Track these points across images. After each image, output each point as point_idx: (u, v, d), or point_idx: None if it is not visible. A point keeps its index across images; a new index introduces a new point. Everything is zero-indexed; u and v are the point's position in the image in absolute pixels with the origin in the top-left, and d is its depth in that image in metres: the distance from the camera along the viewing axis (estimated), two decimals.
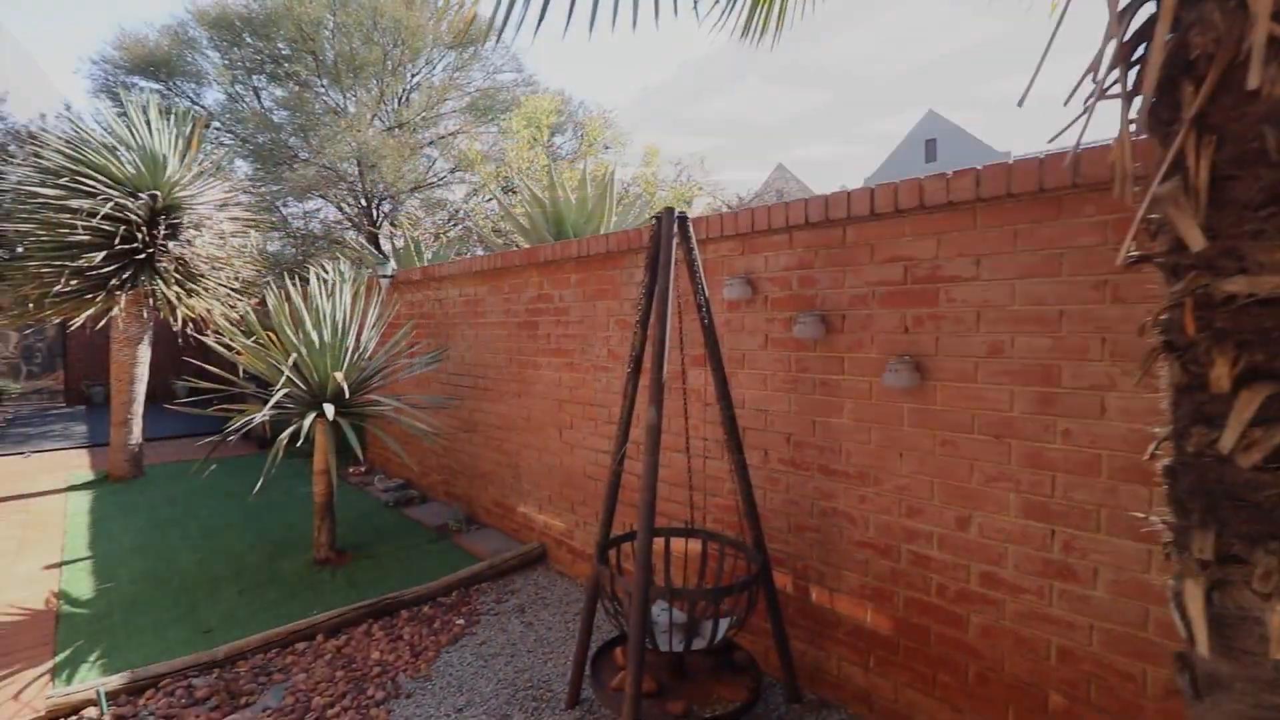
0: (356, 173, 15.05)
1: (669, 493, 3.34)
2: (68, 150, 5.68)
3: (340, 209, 17.32)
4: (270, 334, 4.01)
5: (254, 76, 16.24)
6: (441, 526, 4.81)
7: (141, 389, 6.47)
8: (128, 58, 15.61)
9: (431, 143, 16.63)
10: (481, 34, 17.87)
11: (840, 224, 2.56)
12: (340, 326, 4.12)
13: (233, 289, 6.85)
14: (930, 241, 2.29)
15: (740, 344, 2.94)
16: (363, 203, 16.93)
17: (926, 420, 2.31)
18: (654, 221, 2.45)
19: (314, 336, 4.01)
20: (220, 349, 4.00)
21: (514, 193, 14.27)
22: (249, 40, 15.55)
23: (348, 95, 16.43)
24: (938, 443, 2.28)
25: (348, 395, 3.94)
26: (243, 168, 16.42)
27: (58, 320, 5.72)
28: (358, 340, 4.29)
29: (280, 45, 15.47)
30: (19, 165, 5.92)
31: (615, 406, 3.70)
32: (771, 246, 2.83)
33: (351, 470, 6.57)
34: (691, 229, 2.46)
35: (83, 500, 5.74)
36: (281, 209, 16.37)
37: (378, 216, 17.31)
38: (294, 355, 3.89)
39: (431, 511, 5.22)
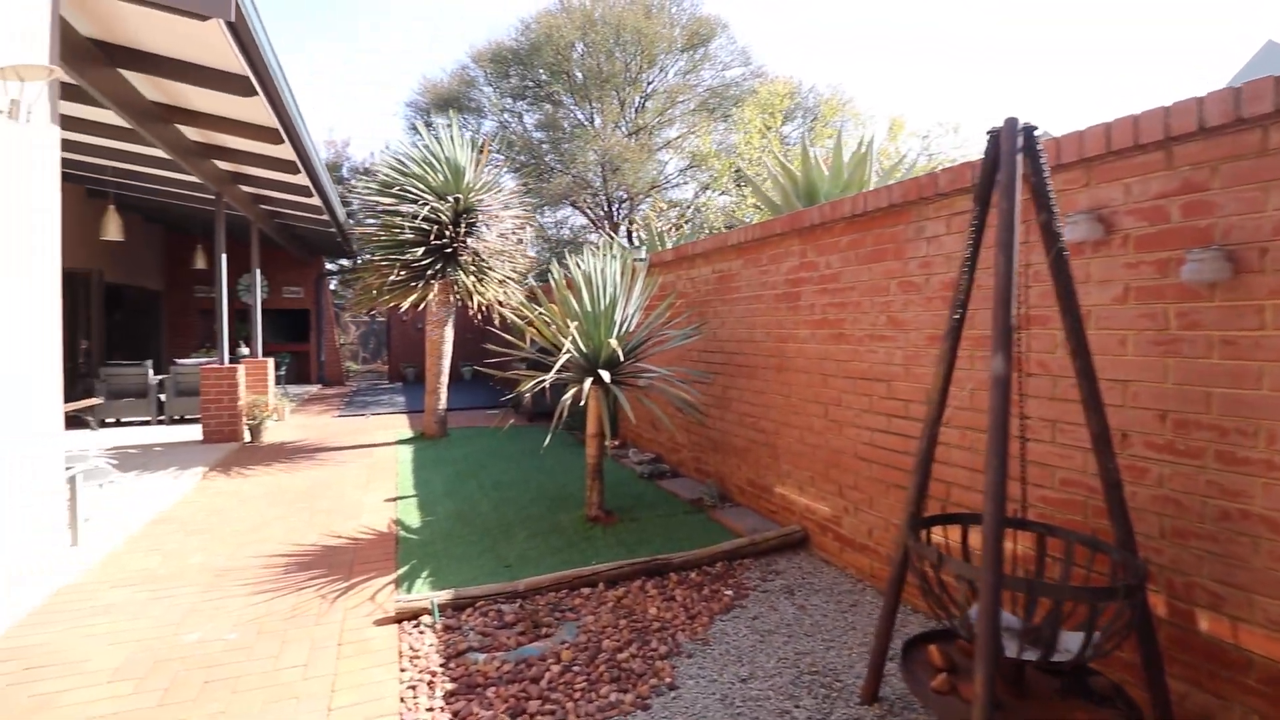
0: (600, 179, 16.35)
1: (969, 479, 2.86)
2: (398, 167, 6.97)
3: (586, 214, 18.98)
4: (552, 305, 4.37)
5: (518, 103, 18.57)
6: (696, 500, 4.84)
7: (447, 364, 7.70)
8: (428, 99, 18.88)
9: (663, 146, 17.31)
10: (713, 31, 18.19)
11: (1260, 124, 1.89)
12: (612, 297, 4.35)
13: (511, 277, 7.79)
14: None
15: (1085, 298, 2.36)
16: (605, 206, 18.34)
17: None
18: (989, 137, 2.05)
19: (590, 306, 4.28)
20: (515, 319, 4.47)
21: (745, 184, 14.14)
22: (513, 72, 17.72)
23: (594, 107, 17.82)
24: None
25: (623, 359, 4.13)
26: (508, 182, 19.00)
27: (391, 305, 7.07)
28: (625, 312, 4.49)
29: (540, 72, 17.35)
30: (365, 186, 7.42)
31: (897, 380, 3.30)
32: (1135, 170, 2.21)
33: (606, 443, 7.02)
34: (1040, 145, 2.01)
35: (406, 452, 7.00)
36: (539, 218, 18.37)
37: (618, 218, 18.58)
38: (574, 323, 4.19)
39: (684, 485, 5.30)
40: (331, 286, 18.76)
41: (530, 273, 8.36)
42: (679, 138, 17.69)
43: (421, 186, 6.99)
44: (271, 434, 8.28)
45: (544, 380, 4.05)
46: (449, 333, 7.69)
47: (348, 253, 17.20)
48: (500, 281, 7.59)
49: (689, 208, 17.82)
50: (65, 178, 8.81)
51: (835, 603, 3.15)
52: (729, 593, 3.23)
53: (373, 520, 4.57)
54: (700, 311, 5.36)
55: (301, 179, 7.79)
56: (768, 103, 14.38)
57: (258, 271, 10.03)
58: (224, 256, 7.86)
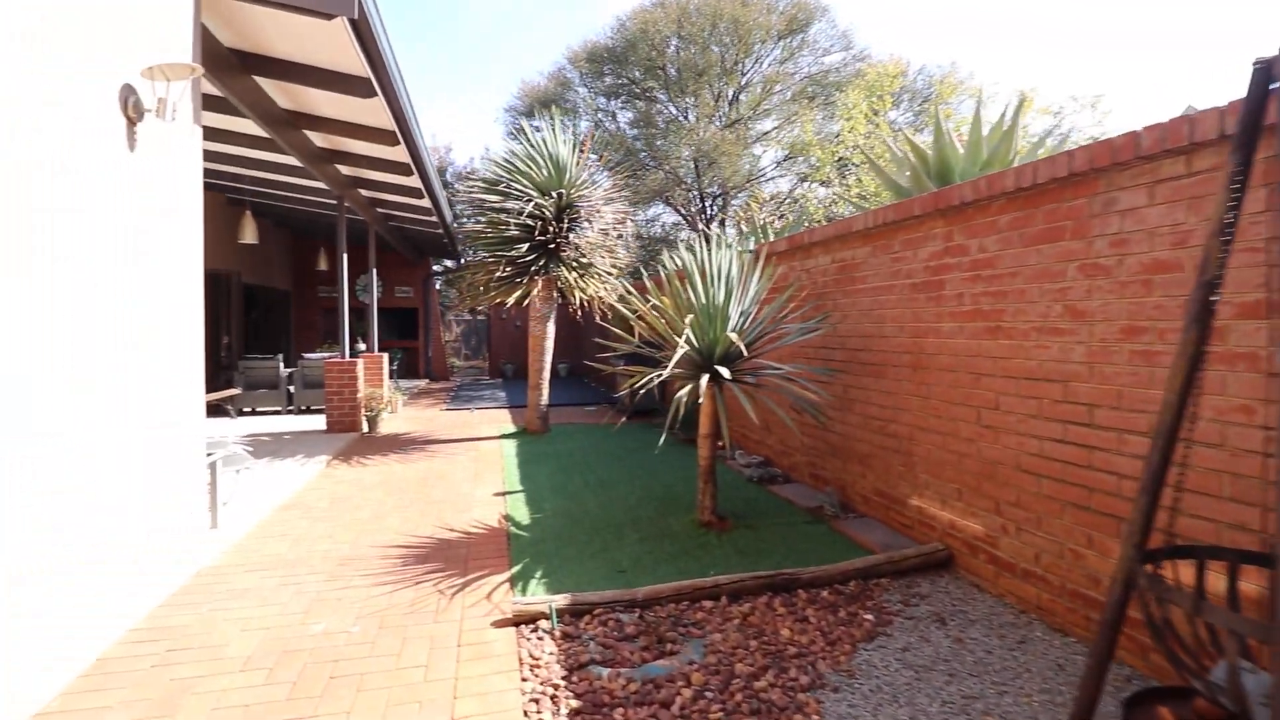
0: (693, 175, 16.04)
1: (1206, 505, 2.35)
2: (504, 164, 7.04)
3: (679, 211, 18.75)
4: (664, 299, 4.16)
5: (611, 101, 18.60)
6: (815, 509, 4.48)
7: (548, 360, 7.71)
8: (525, 102, 19.32)
9: (758, 139, 16.74)
10: (811, 16, 17.39)
11: None
12: (728, 288, 4.07)
13: (610, 273, 7.70)
14: None
15: None
16: (699, 202, 18.03)
17: None
18: (1257, 69, 1.60)
19: (704, 298, 4.03)
20: (624, 312, 4.30)
21: (848, 173, 13.38)
22: (608, 70, 17.75)
23: (688, 102, 17.53)
24: None
25: (745, 354, 3.85)
26: (605, 180, 19.15)
27: (496, 301, 7.16)
28: (742, 304, 4.20)
29: (635, 70, 17.29)
30: (472, 185, 7.56)
31: (1077, 381, 2.81)
32: None
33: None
34: None
35: (511, 446, 7.06)
36: (631, 217, 18.25)
37: (711, 214, 18.23)
38: (689, 316, 3.96)
39: (799, 492, 4.93)
40: (436, 286, 19.65)
41: (627, 269, 8.24)
42: (775, 129, 17.07)
43: (526, 183, 7.02)
44: (386, 425, 8.66)
45: (658, 376, 3.85)
46: (550, 329, 7.70)
47: (452, 253, 17.96)
48: (600, 277, 7.50)
49: (786, 200, 17.17)
50: (206, 186, 9.66)
51: (998, 637, 2.72)
52: (869, 617, 2.87)
53: (483, 514, 4.55)
54: (818, 305, 4.97)
55: (414, 181, 8.05)
56: (876, 85, 13.52)
57: (374, 271, 10.56)
58: (344, 256, 8.28)
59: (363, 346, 11.13)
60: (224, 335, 11.08)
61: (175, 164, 3.51)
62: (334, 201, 8.39)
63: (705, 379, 3.78)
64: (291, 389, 9.98)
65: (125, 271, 2.95)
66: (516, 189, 6.98)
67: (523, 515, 4.50)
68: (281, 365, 9.99)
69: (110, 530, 2.82)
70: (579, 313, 7.59)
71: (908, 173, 5.57)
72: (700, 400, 3.93)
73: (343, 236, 8.19)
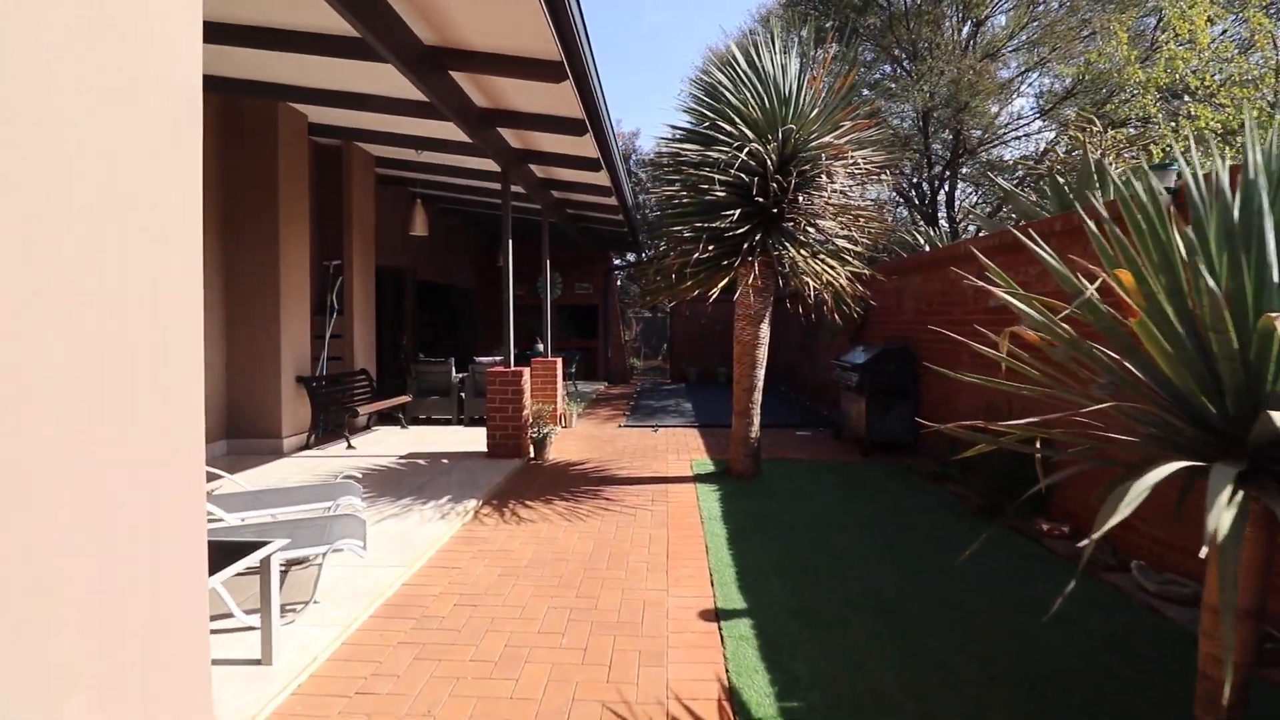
0: (919, 130, 12.65)
1: None
2: (712, 91, 4.99)
3: (897, 190, 15.31)
4: (1122, 274, 1.76)
5: (818, 51, 15.48)
6: None
7: (762, 373, 5.56)
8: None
9: (1023, 70, 12.73)
10: None
11: None
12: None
13: (857, 251, 5.31)
14: None
15: None
16: (926, 167, 14.51)
17: None
18: None
19: (1254, 275, 1.58)
20: (1008, 298, 2.00)
21: (1188, 96, 9.26)
22: (814, 11, 14.54)
23: (918, 44, 13.98)
24: None
25: None
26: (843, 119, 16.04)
27: (694, 293, 5.17)
28: None
29: (847, 9, 14.16)
30: (669, 134, 5.67)
31: None
32: None
33: (1050, 530, 4.10)
34: None
35: (711, 498, 5.03)
36: (891, 167, 14.33)
37: (937, 185, 14.64)
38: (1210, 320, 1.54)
39: None
40: (617, 282, 18.48)
41: (879, 243, 5.77)
42: (1051, 53, 12.70)
43: (737, 122, 4.91)
44: (558, 447, 7.17)
45: (1163, 471, 1.46)
46: (765, 331, 5.52)
47: (634, 245, 16.61)
48: (841, 257, 5.16)
49: (1037, 161, 12.94)
50: (390, 180, 9.17)
51: None
52: None
53: (689, 677, 2.54)
54: None
55: (602, 178, 7.46)
56: None
57: (547, 264, 9.26)
58: (510, 246, 6.90)
59: (541, 347, 9.96)
60: (401, 335, 10.55)
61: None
62: (499, 189, 7.06)
63: (1227, 483, 1.35)
64: (463, 395, 9.01)
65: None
66: (723, 132, 4.91)
67: (760, 695, 2.40)
68: (453, 370, 9.07)
69: None
70: (806, 309, 5.35)
71: None
72: (1229, 527, 1.48)
73: (507, 226, 6.80)
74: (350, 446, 7.03)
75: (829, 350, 10.28)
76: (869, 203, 5.62)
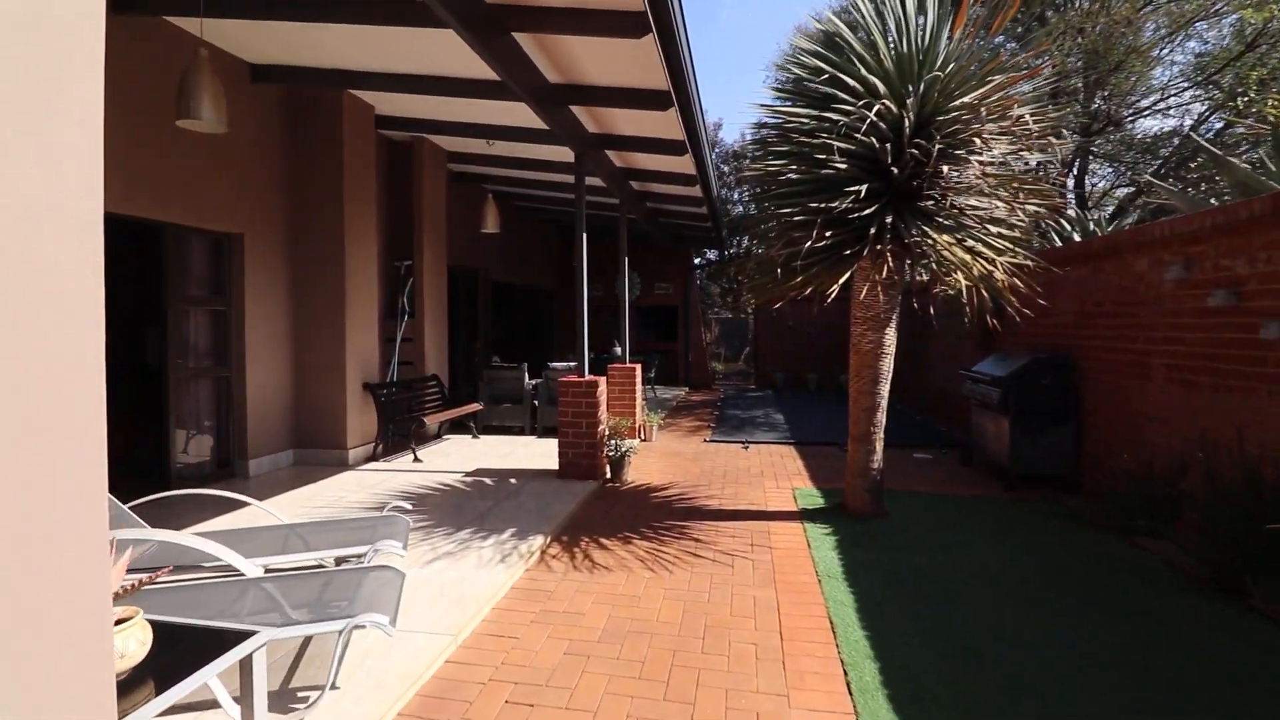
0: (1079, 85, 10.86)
1: None
2: (833, 33, 4.02)
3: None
4: None
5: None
6: None
7: (886, 389, 4.51)
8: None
9: (1191, 18, 10.66)
10: None
11: None
12: None
13: (1014, 238, 4.17)
14: None
15: None
16: (1067, 151, 12.60)
17: None
18: None
19: None
20: None
21: None
22: None
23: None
24: None
25: None
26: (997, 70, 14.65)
27: (808, 291, 4.21)
28: None
29: None
30: (778, 90, 4.75)
31: None
32: None
33: None
34: None
35: (826, 545, 4.05)
36: (1065, 125, 12.02)
37: (1082, 165, 12.71)
38: None
39: None
40: (698, 282, 17.56)
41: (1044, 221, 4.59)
42: (1204, 13, 10.81)
43: (863, 74, 3.92)
44: (637, 466, 6.38)
45: None
46: (891, 338, 4.47)
47: (717, 242, 15.64)
48: (996, 246, 4.05)
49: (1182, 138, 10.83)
50: (462, 178, 8.69)
51: None
52: None
53: None
54: None
55: (687, 163, 6.82)
56: None
57: (625, 262, 8.52)
58: (584, 242, 6.19)
59: (618, 350, 9.25)
60: (474, 339, 10.12)
61: None
62: (581, 181, 6.36)
63: None
64: (536, 403, 8.41)
65: None
66: (845, 89, 3.93)
67: None
68: (525, 375, 8.49)
69: None
70: (926, 309, 4.27)
71: None
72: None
73: (581, 219, 6.09)
74: (416, 459, 6.54)
75: (944, 357, 8.94)
76: (1028, 173, 4.45)
